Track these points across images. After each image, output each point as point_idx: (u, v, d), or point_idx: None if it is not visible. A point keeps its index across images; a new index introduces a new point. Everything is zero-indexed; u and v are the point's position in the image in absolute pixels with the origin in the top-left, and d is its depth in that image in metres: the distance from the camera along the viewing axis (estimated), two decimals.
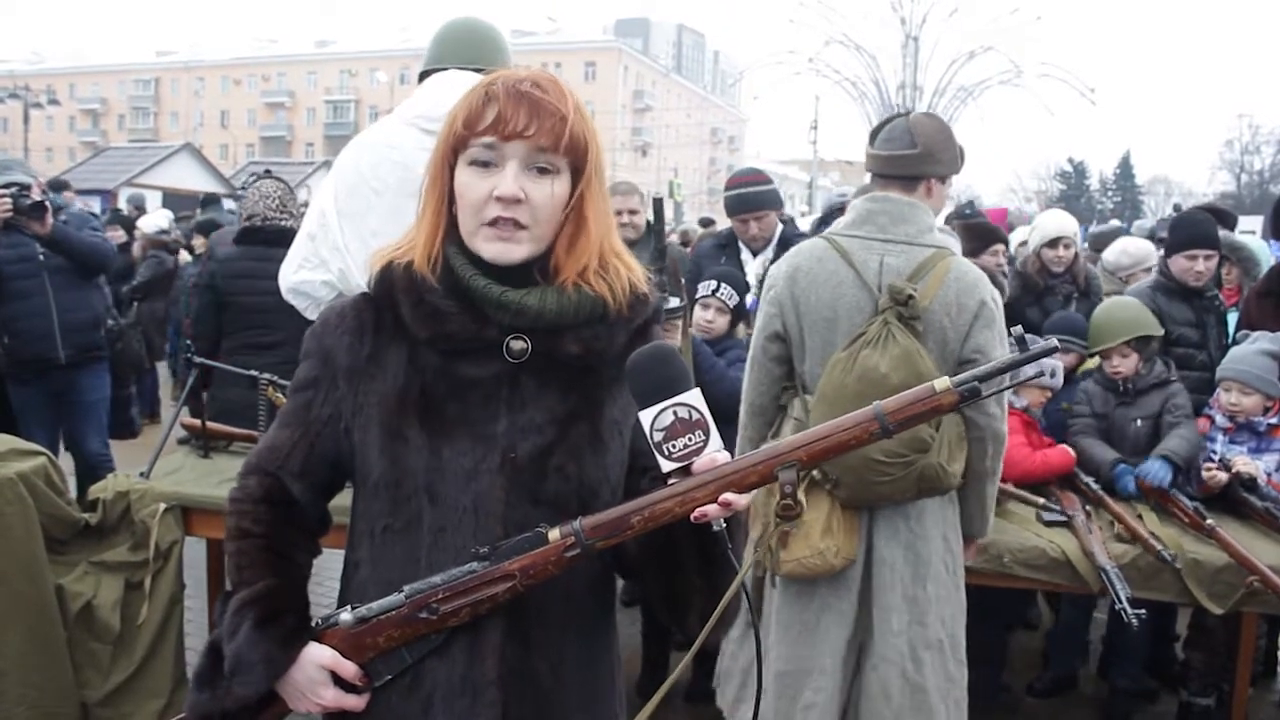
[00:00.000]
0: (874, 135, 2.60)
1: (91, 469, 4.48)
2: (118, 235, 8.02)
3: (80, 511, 3.00)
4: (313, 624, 1.31)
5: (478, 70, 2.46)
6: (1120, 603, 2.77)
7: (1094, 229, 7.37)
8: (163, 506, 2.95)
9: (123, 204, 15.63)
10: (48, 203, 4.28)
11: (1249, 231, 7.58)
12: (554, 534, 1.21)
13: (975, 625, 3.44)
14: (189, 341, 3.93)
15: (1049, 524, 3.07)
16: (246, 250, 3.97)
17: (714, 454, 1.16)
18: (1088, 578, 2.88)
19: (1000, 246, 4.82)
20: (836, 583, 2.43)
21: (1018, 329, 1.25)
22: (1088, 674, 3.97)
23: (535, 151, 1.23)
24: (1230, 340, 3.80)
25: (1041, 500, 3.11)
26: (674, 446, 1.15)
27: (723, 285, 3.63)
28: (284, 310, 2.68)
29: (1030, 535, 3.01)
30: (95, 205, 15.51)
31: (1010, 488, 3.17)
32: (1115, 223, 9.78)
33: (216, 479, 3.07)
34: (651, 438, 1.15)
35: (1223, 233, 4.58)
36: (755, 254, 4.39)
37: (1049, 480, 3.33)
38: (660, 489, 1.18)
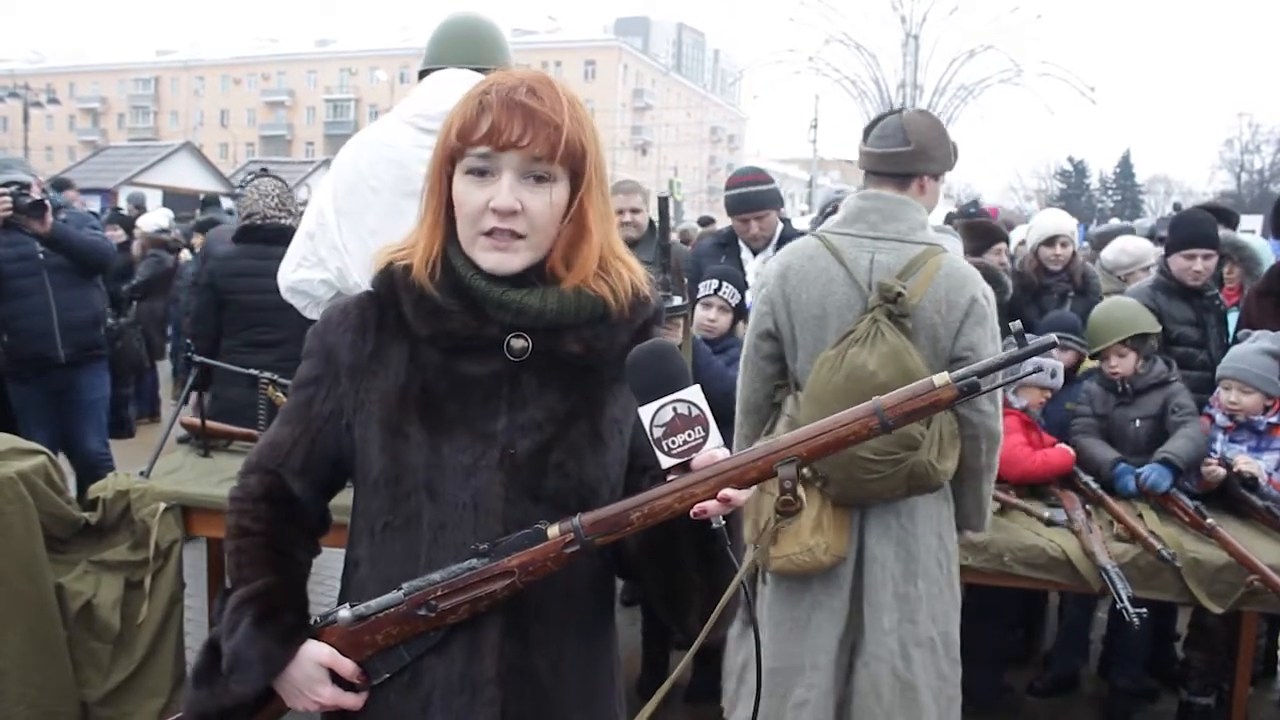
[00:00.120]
0: (867, 132, 2.60)
1: (91, 468, 4.48)
2: (117, 235, 8.02)
3: (80, 511, 3.00)
4: (311, 622, 1.31)
5: (476, 69, 2.46)
6: (1121, 602, 2.77)
7: (1096, 229, 7.36)
8: (163, 506, 2.95)
9: (123, 203, 15.64)
10: (47, 201, 4.28)
11: (1249, 231, 7.57)
12: (553, 530, 1.21)
13: (979, 625, 3.47)
14: (189, 340, 3.93)
15: (1049, 523, 3.07)
16: (246, 249, 3.96)
17: (713, 450, 1.16)
18: (1088, 577, 2.88)
19: (1002, 245, 4.83)
20: (828, 580, 2.43)
21: (1017, 324, 1.25)
22: (1088, 673, 3.97)
23: (531, 161, 1.23)
24: (1231, 339, 3.80)
25: (1047, 514, 3.08)
26: (673, 443, 1.15)
27: (724, 284, 3.63)
28: (285, 308, 2.68)
29: (1030, 534, 3.01)
30: (95, 204, 15.53)
31: (1013, 499, 3.14)
32: (1116, 222, 9.76)
33: (216, 478, 3.08)
34: (651, 433, 1.15)
35: (1225, 232, 4.59)
36: (756, 253, 4.39)
37: (1049, 480, 3.33)
38: (660, 485, 1.18)
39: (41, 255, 4.27)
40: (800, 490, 1.16)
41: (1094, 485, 3.27)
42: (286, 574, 1.32)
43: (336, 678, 1.28)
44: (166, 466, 3.21)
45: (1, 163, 4.42)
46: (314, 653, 1.27)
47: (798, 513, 1.18)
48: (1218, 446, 3.37)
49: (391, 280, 1.30)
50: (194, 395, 3.46)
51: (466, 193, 1.25)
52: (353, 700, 1.28)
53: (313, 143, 66.67)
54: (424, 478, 1.26)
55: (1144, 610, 2.76)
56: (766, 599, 2.53)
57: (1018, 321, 1.26)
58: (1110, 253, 5.27)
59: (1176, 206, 14.08)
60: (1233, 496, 3.22)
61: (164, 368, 8.16)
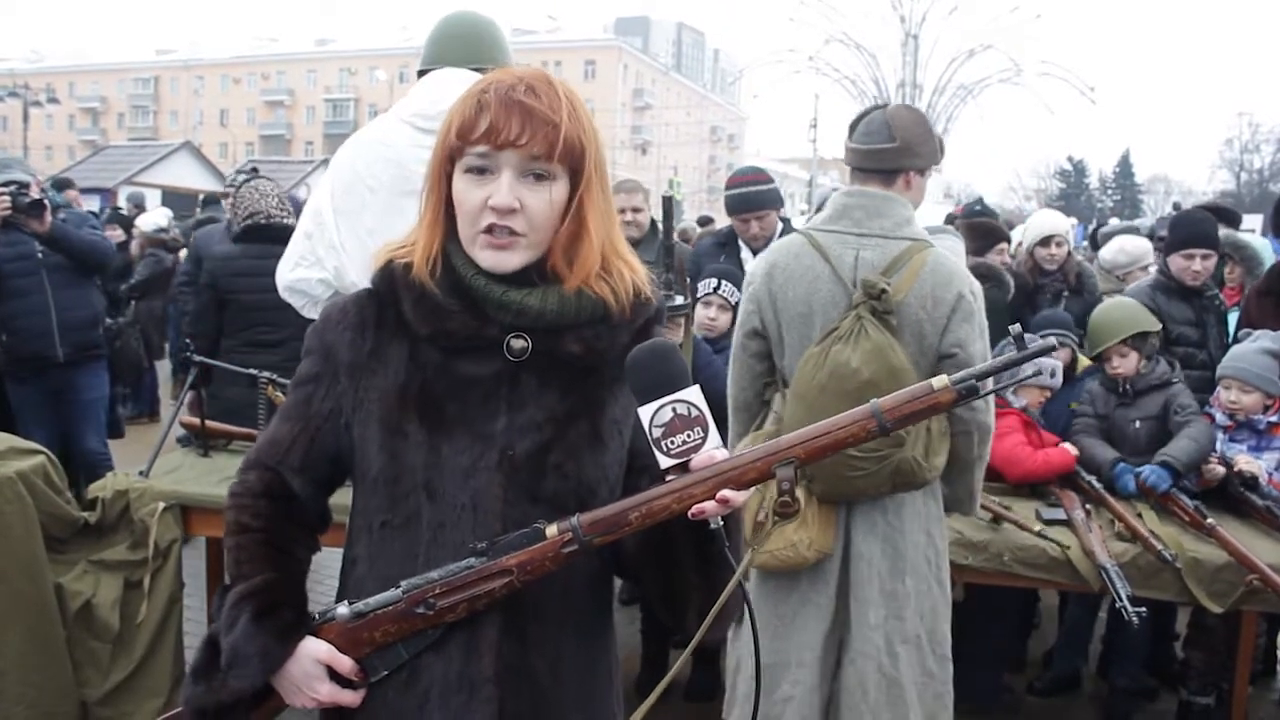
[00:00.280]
0: (852, 128, 2.58)
1: (90, 468, 4.47)
2: (116, 234, 8.02)
3: (79, 510, 3.00)
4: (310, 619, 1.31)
5: (475, 69, 2.45)
6: (1121, 601, 2.77)
7: (1105, 230, 7.34)
8: (162, 505, 2.95)
9: (122, 202, 15.64)
10: (46, 201, 4.28)
11: (1248, 230, 7.57)
12: (551, 530, 1.21)
13: (980, 625, 3.47)
14: (187, 340, 3.93)
15: (1049, 523, 3.07)
16: (247, 248, 3.96)
17: (712, 451, 1.16)
18: (1088, 576, 2.88)
19: (1004, 245, 4.83)
20: (814, 577, 2.43)
21: (1016, 328, 1.25)
22: (1088, 673, 3.97)
23: (529, 160, 1.23)
24: (1231, 339, 3.80)
25: (1038, 527, 3.02)
26: (672, 443, 1.15)
27: (723, 282, 3.64)
28: (287, 308, 2.68)
29: (1030, 534, 3.00)
30: (95, 204, 15.52)
31: (1004, 512, 3.07)
32: (1116, 222, 9.76)
33: (216, 478, 3.08)
34: (650, 434, 1.15)
35: (1226, 231, 4.59)
36: (756, 253, 4.38)
37: (1050, 479, 3.32)
38: (658, 486, 1.18)
39: (40, 255, 4.27)
40: (798, 492, 1.16)
41: (1095, 484, 3.27)
42: (285, 570, 1.32)
43: (335, 675, 1.27)
44: (165, 466, 3.21)
45: (1, 162, 4.42)
46: (312, 649, 1.27)
47: (796, 514, 1.18)
48: (1218, 446, 3.37)
49: (392, 278, 1.30)
50: (192, 394, 3.46)
51: (466, 191, 1.25)
52: (351, 697, 1.28)
53: (312, 142, 66.65)
54: (423, 478, 1.26)
55: (1143, 609, 2.76)
56: (753, 595, 2.52)
57: (1017, 325, 1.26)
58: (1108, 252, 5.27)
59: (1176, 206, 14.07)
60: (1233, 496, 3.22)
61: (163, 367, 8.16)
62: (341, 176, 2.50)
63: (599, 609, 1.38)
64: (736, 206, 4.39)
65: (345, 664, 1.27)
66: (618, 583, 1.44)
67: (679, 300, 3.33)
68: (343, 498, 1.36)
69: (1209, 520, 2.97)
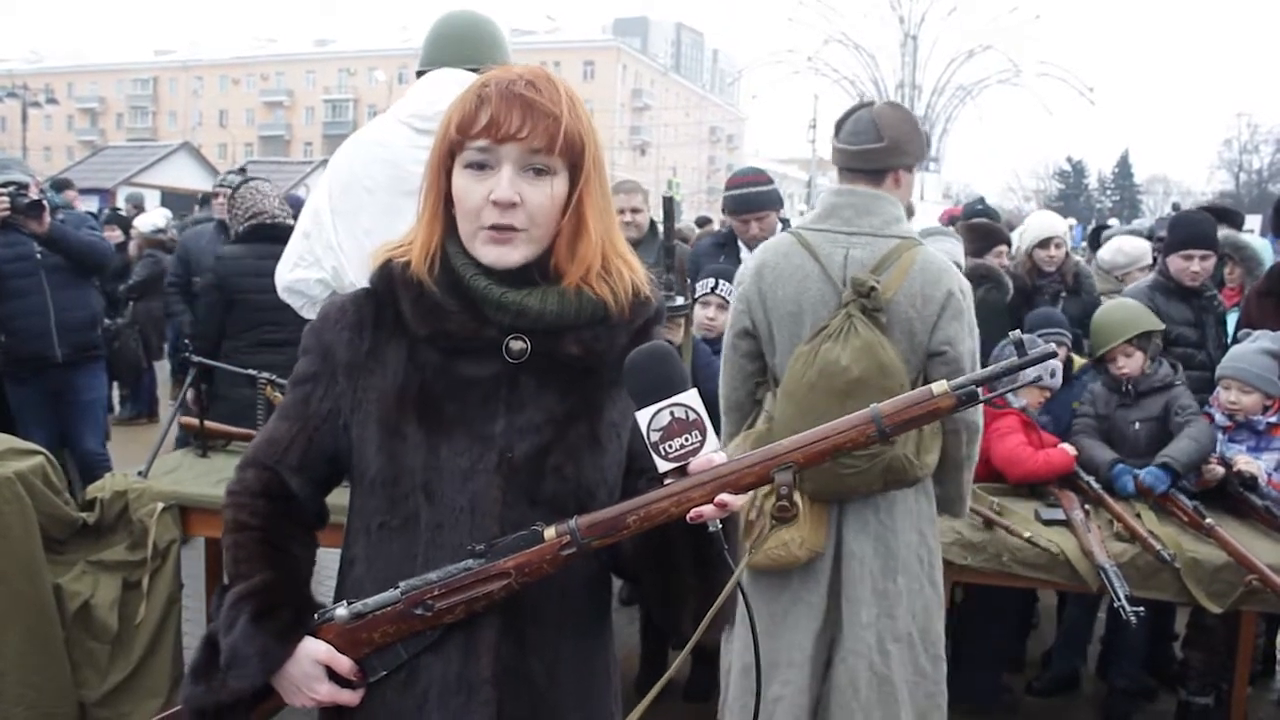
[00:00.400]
0: (839, 127, 2.58)
1: (88, 468, 4.47)
2: (115, 235, 8.01)
3: (78, 511, 3.00)
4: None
5: (473, 69, 2.45)
6: (1119, 601, 2.77)
7: (1107, 231, 7.33)
8: (160, 506, 2.95)
9: (121, 203, 15.63)
10: (45, 201, 4.28)
11: (1248, 230, 7.57)
12: (550, 532, 1.21)
13: (979, 625, 3.47)
14: (186, 340, 3.93)
15: (1048, 523, 3.07)
16: (252, 248, 3.95)
17: (710, 454, 1.16)
18: (1087, 577, 2.88)
19: (1004, 247, 4.83)
20: (806, 576, 2.43)
21: (1016, 333, 1.25)
22: (1087, 673, 3.97)
23: (530, 153, 1.23)
24: (1230, 340, 3.80)
25: (1028, 534, 2.98)
26: (670, 446, 1.15)
27: (721, 282, 3.64)
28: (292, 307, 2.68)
29: (1020, 540, 2.99)
30: (93, 205, 15.51)
31: (997, 518, 3.04)
32: (1116, 223, 9.76)
33: (214, 478, 3.07)
34: (648, 437, 1.15)
35: (1226, 231, 4.59)
36: None
37: (1050, 480, 3.33)
38: (657, 489, 1.18)
39: (39, 255, 4.27)
40: (796, 496, 1.16)
41: (1094, 485, 3.27)
42: (284, 570, 1.32)
43: (334, 675, 1.27)
44: (164, 466, 3.21)
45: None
46: (312, 650, 1.27)
47: (794, 518, 1.18)
48: (1218, 447, 3.37)
49: (390, 277, 1.30)
50: (190, 394, 3.45)
51: (466, 187, 1.25)
52: (349, 697, 1.28)
53: (311, 143, 66.64)
54: (421, 479, 1.26)
55: (1141, 609, 2.76)
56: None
57: (1017, 331, 1.26)
58: (1107, 252, 5.27)
59: (1175, 207, 14.09)
60: (1232, 496, 3.22)
61: (161, 368, 8.15)
62: (339, 177, 2.50)
63: (597, 610, 1.38)
64: (736, 207, 4.39)
65: (344, 664, 1.27)
66: (617, 583, 1.44)
67: (679, 301, 3.34)
68: (340, 498, 1.36)
69: (1208, 520, 2.97)
